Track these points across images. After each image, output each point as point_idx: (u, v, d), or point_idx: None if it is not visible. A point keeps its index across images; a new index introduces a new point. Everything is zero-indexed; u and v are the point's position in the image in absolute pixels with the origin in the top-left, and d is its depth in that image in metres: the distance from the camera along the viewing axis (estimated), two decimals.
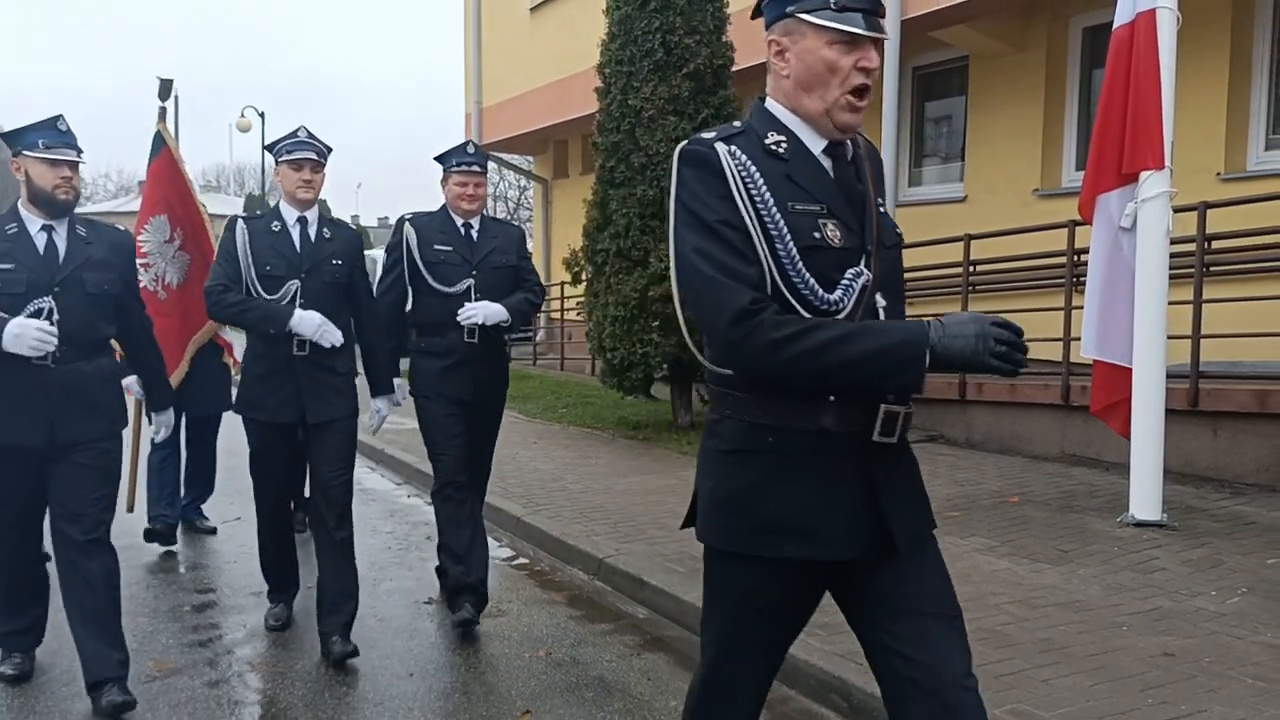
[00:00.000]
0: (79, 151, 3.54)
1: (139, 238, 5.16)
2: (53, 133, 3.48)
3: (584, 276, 8.78)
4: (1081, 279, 7.25)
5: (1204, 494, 5.94)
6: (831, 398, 1.87)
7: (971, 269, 8.14)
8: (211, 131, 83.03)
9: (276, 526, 4.33)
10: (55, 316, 3.36)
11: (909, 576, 2.01)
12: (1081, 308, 7.00)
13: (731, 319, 1.79)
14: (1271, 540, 5.03)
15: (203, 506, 6.03)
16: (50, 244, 3.47)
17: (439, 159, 4.53)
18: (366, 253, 4.78)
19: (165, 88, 5.42)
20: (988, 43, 8.89)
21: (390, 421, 4.93)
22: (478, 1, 16.08)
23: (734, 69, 8.59)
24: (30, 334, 3.29)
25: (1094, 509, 5.73)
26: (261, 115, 30.46)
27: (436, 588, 4.85)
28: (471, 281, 4.37)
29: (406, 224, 4.46)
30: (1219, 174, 7.34)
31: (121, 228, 3.86)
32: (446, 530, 4.40)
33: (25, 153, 3.44)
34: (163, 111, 5.45)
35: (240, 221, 4.09)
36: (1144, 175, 5.23)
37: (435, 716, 3.53)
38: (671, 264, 1.91)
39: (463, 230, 4.46)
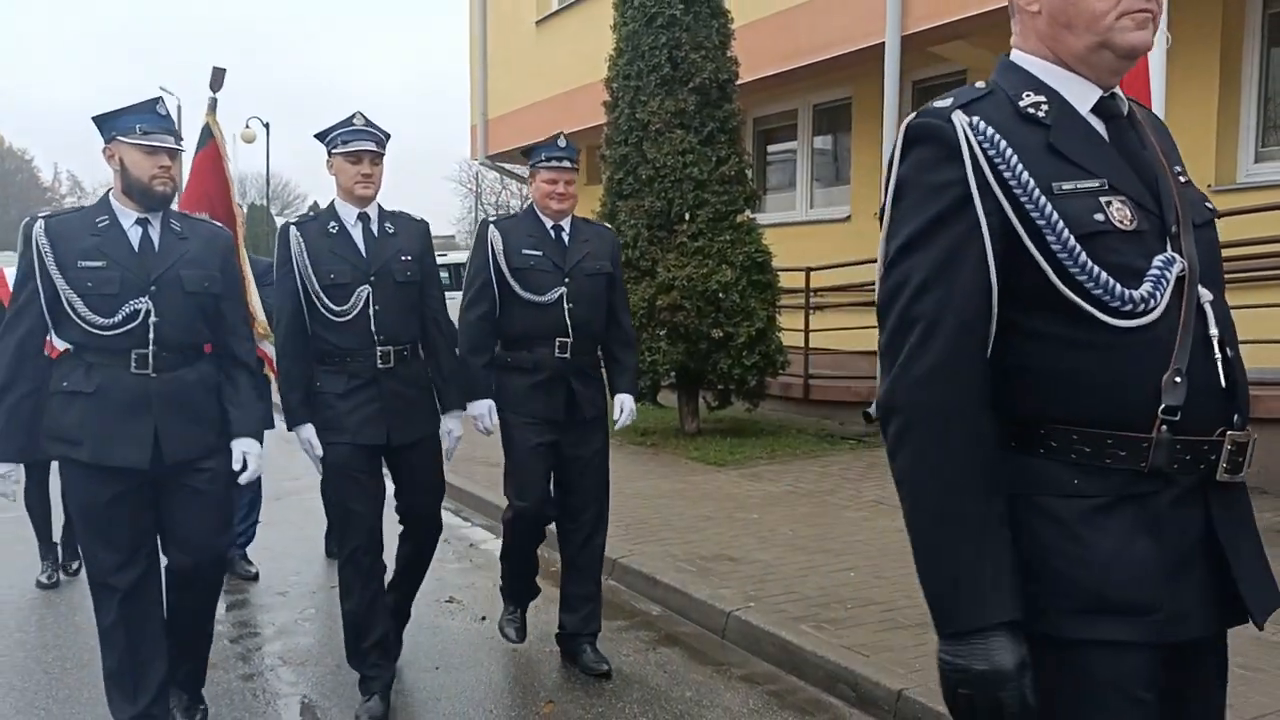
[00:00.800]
0: (179, 139, 3.23)
1: None
2: (151, 116, 3.16)
3: None
4: None
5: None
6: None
7: None
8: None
9: (370, 583, 3.64)
10: (153, 319, 3.07)
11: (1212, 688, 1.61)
12: None
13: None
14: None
15: (247, 549, 5.33)
16: (145, 239, 3.16)
17: (525, 153, 4.14)
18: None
19: (218, 77, 4.99)
20: (986, 57, 9.08)
21: None
22: (483, 15, 16.30)
23: (738, 83, 8.79)
24: None
25: None
26: (266, 126, 30.65)
27: (457, 586, 5.03)
28: (564, 290, 3.92)
29: (491, 227, 4.01)
30: (1210, 186, 7.53)
31: (219, 223, 3.56)
32: (522, 570, 4.14)
33: (120, 138, 3.12)
34: (213, 103, 5.00)
35: (292, 228, 3.62)
36: None
37: (463, 705, 3.71)
38: (879, 266, 1.56)
39: (553, 233, 4.01)
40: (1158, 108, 5.34)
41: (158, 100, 3.22)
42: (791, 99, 11.68)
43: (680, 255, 8.30)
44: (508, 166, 17.42)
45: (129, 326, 3.05)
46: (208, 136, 5.03)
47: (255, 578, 5.20)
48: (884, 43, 8.92)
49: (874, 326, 6.05)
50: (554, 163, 3.97)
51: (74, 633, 4.45)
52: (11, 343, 3.11)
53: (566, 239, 4.02)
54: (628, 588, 5.02)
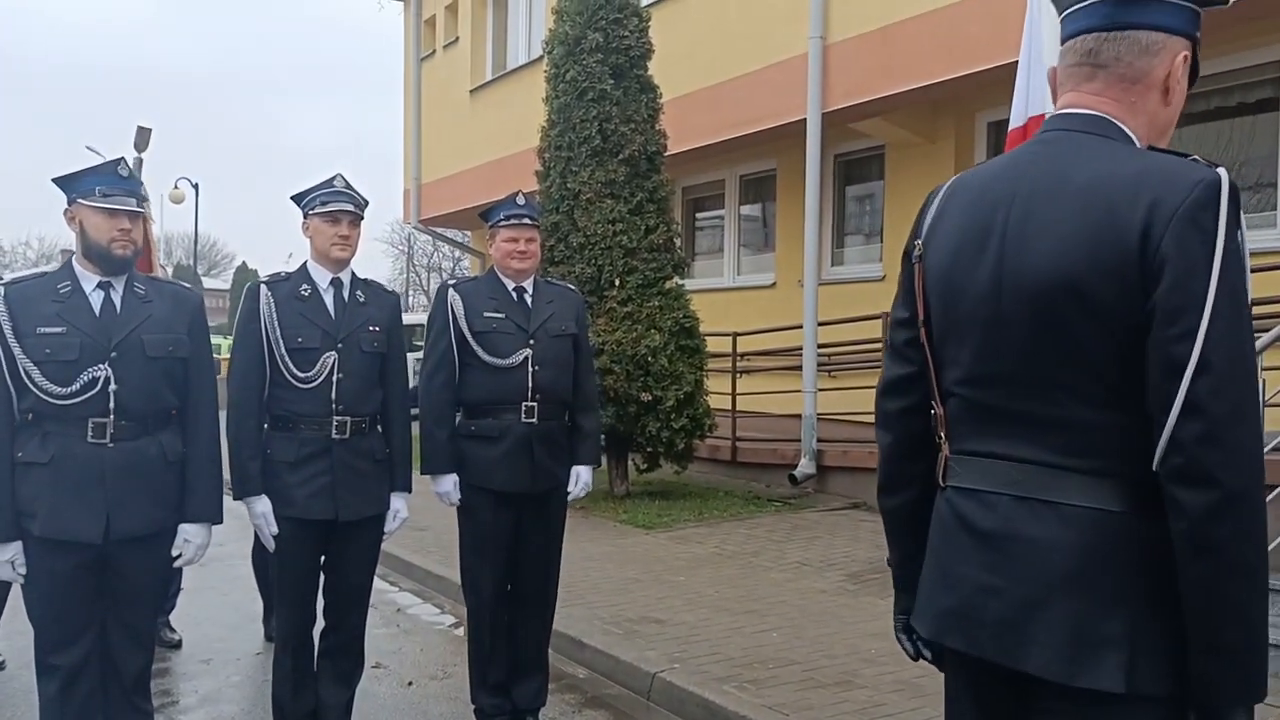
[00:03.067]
0: (141, 200, 3.16)
1: None
2: (112, 178, 3.07)
3: None
4: None
5: None
6: None
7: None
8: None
9: (301, 664, 3.64)
10: (113, 386, 2.97)
11: None
12: None
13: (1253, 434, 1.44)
14: None
15: (170, 616, 5.21)
16: (108, 303, 3.06)
17: (484, 216, 4.04)
18: None
19: (143, 137, 5.03)
20: (901, 134, 9.53)
21: None
22: (418, 83, 16.55)
23: (667, 154, 9.08)
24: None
25: None
26: (195, 186, 30.43)
27: (383, 652, 5.04)
28: (529, 352, 3.84)
29: (450, 290, 3.93)
30: None
31: (186, 284, 3.52)
32: (490, 659, 3.98)
33: (81, 200, 3.04)
34: (139, 163, 4.99)
35: (263, 287, 3.52)
36: None
37: None
38: (1203, 323, 1.43)
39: (515, 295, 3.92)
40: None
41: (119, 161, 3.12)
42: (719, 169, 12.05)
43: (610, 320, 8.47)
44: (440, 230, 17.55)
45: (87, 395, 2.96)
46: None
47: (178, 645, 5.11)
48: (805, 119, 9.30)
49: (798, 390, 6.36)
50: (513, 220, 3.89)
51: (12, 704, 4.38)
52: None
53: (530, 300, 3.94)
54: (555, 650, 5.06)
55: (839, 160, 10.74)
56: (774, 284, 11.26)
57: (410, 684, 4.63)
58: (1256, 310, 6.37)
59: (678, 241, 9.09)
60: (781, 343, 10.03)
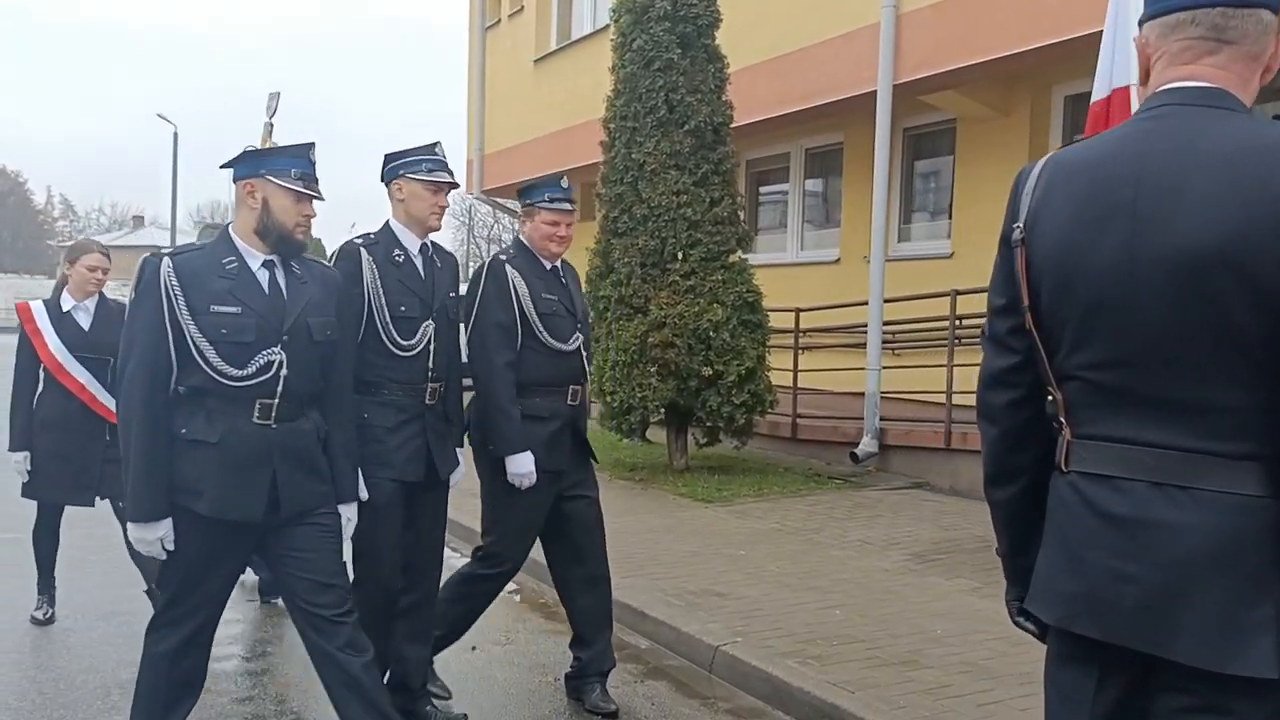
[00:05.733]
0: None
1: None
2: (304, 163, 3.02)
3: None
4: None
5: None
6: None
7: (958, 323, 8.47)
8: (206, 168, 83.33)
9: (388, 618, 3.55)
10: (284, 370, 2.92)
11: None
12: None
13: None
14: None
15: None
16: (273, 283, 2.99)
17: (523, 193, 3.98)
18: None
19: (273, 101, 5.08)
20: (974, 107, 9.30)
21: None
22: (483, 53, 16.55)
23: (732, 126, 8.97)
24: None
25: None
26: None
27: None
28: (581, 338, 3.90)
29: (508, 267, 3.76)
30: None
31: (325, 262, 3.36)
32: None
33: (272, 178, 2.96)
34: (269, 128, 5.09)
35: (362, 250, 3.37)
36: None
37: None
38: None
39: (557, 277, 3.92)
40: None
41: (311, 146, 3.08)
42: (784, 142, 11.89)
43: (672, 293, 8.42)
44: (502, 201, 17.59)
45: (262, 378, 2.89)
46: None
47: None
48: (875, 91, 9.13)
49: (861, 368, 6.26)
50: (557, 204, 3.86)
51: (66, 653, 4.49)
52: (144, 388, 2.85)
53: (566, 282, 3.95)
54: (616, 620, 5.05)
55: (908, 134, 10.52)
56: (838, 260, 11.11)
57: (474, 648, 4.65)
58: None
59: (742, 215, 8.99)
60: (845, 319, 9.90)
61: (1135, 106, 5.55)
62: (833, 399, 9.98)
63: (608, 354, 8.57)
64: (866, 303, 9.15)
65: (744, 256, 8.91)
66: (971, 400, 7.09)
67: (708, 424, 8.70)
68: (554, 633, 4.96)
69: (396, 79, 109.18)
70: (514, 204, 19.14)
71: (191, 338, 2.85)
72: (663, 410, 8.58)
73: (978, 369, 1.86)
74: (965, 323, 8.56)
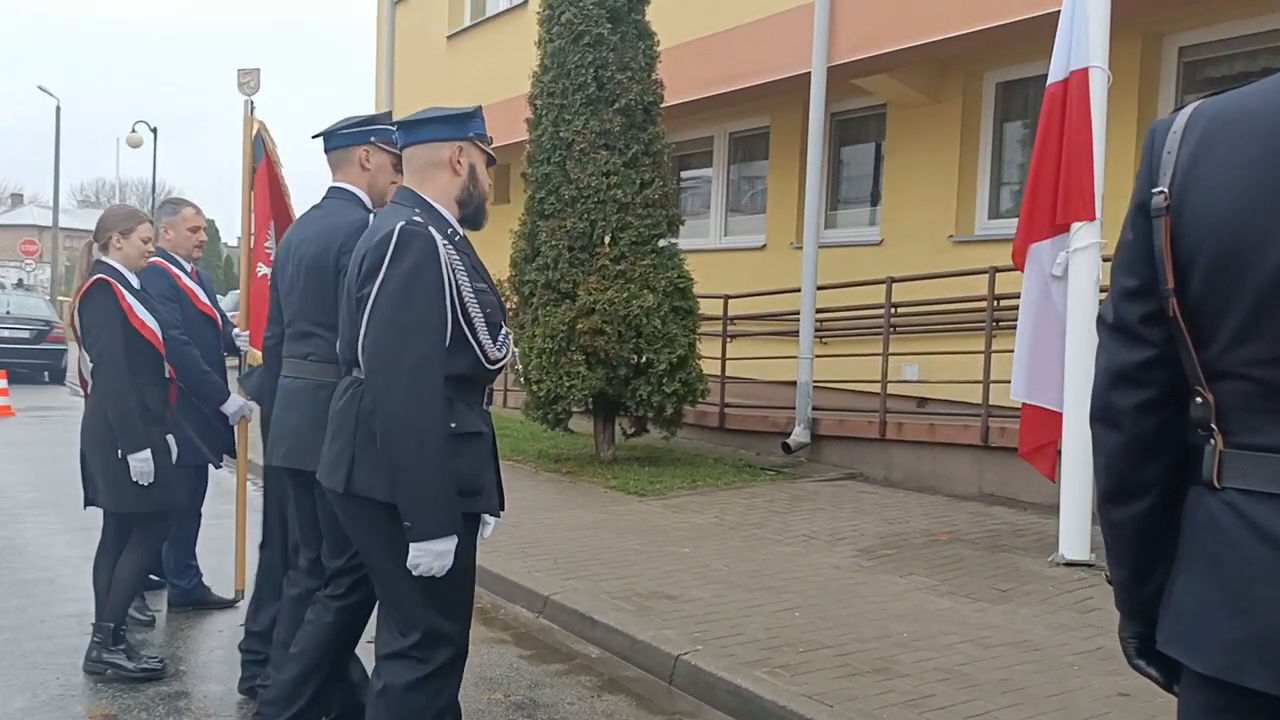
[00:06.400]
0: None
1: (265, 245, 4.33)
2: (484, 127, 2.73)
3: (509, 308, 8.67)
4: (1001, 324, 7.54)
5: None
6: None
7: (893, 311, 8.33)
8: (92, 144, 79.43)
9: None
10: (513, 350, 2.73)
11: None
12: (1001, 352, 7.30)
13: None
14: None
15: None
16: None
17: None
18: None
19: (251, 79, 4.55)
20: (906, 92, 9.17)
21: None
22: (391, 30, 15.89)
23: (663, 105, 8.65)
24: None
25: (1022, 548, 5.88)
26: (154, 131, 29.35)
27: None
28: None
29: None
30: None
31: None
32: None
33: (480, 142, 2.65)
34: (251, 106, 4.60)
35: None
36: (1075, 226, 5.44)
37: None
38: None
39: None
40: (1098, 150, 5.41)
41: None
42: (707, 126, 11.62)
43: (602, 279, 8.07)
44: None
45: (505, 360, 2.68)
46: (261, 146, 4.46)
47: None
48: (807, 73, 8.92)
49: (791, 356, 5.93)
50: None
51: None
52: (438, 379, 2.46)
53: None
54: (562, 627, 4.73)
55: (835, 119, 10.34)
56: (764, 246, 10.90)
57: None
58: None
59: (673, 197, 8.69)
60: (773, 307, 9.69)
61: (1094, 88, 5.42)
62: (761, 388, 9.78)
63: (534, 341, 8.18)
64: (797, 290, 8.95)
65: (674, 241, 8.62)
66: (905, 390, 6.92)
67: (636, 414, 8.39)
68: (496, 642, 4.59)
69: (305, 55, 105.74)
70: None
71: (471, 318, 2.55)
72: (590, 400, 8.24)
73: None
74: (899, 311, 8.43)
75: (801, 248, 9.87)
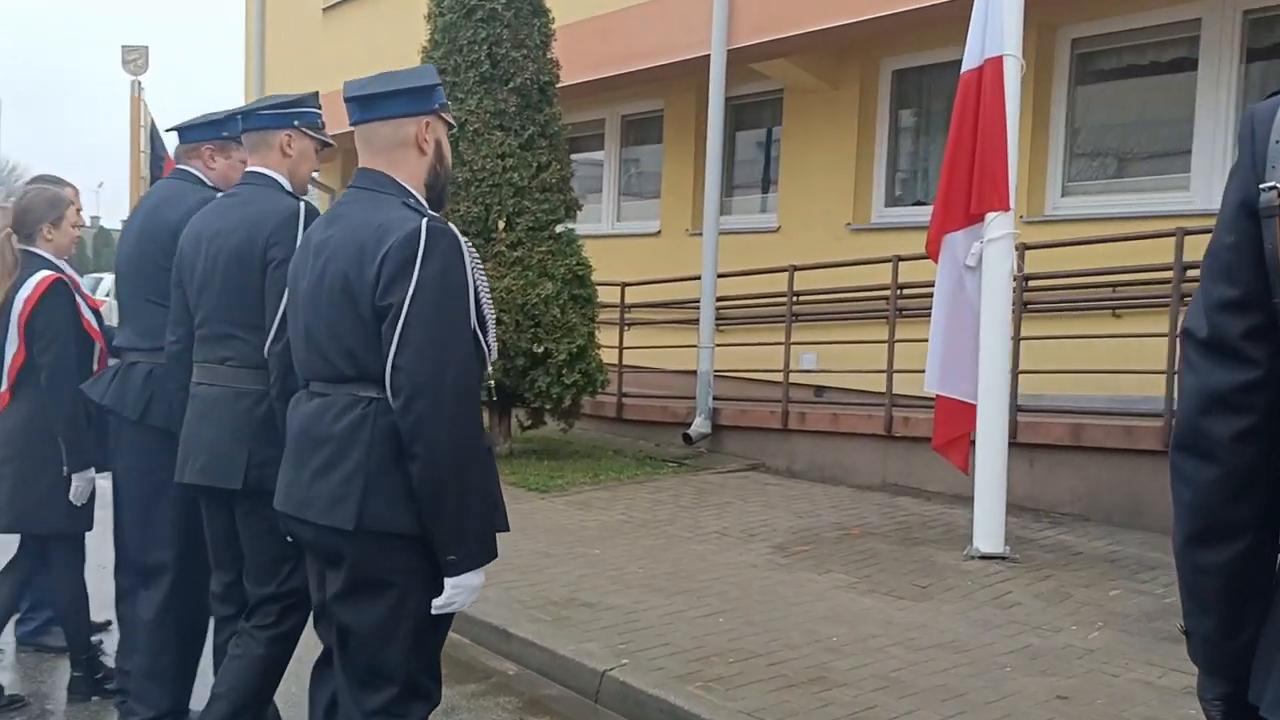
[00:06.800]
0: None
1: None
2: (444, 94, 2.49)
3: None
4: (904, 313, 7.51)
5: (1025, 524, 6.17)
6: None
7: (795, 299, 8.24)
8: None
9: None
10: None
11: None
12: (905, 341, 7.28)
13: None
14: (1103, 571, 5.26)
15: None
16: None
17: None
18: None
19: (137, 57, 4.06)
20: (804, 78, 9.07)
21: None
22: (261, 1, 15.07)
23: (558, 86, 8.35)
24: None
25: (934, 541, 5.84)
26: None
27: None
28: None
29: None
30: (1023, 217, 7.76)
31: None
32: None
33: (446, 115, 2.38)
34: (138, 86, 4.04)
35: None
36: (989, 217, 5.39)
37: None
38: None
39: None
40: (1012, 139, 5.37)
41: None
42: (599, 108, 11.33)
43: (498, 265, 7.72)
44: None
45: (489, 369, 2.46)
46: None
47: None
48: (704, 56, 8.72)
49: (690, 345, 5.72)
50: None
51: None
52: (477, 393, 2.28)
53: None
54: (475, 642, 4.43)
55: (730, 104, 10.16)
56: (659, 232, 10.70)
57: None
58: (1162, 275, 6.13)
59: (571, 181, 8.39)
60: (672, 294, 9.51)
61: (1008, 77, 5.37)
62: (659, 377, 9.60)
63: None
64: (696, 277, 8.78)
65: (571, 227, 8.33)
66: (808, 380, 6.72)
67: (534, 405, 8.10)
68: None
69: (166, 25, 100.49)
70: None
71: (485, 318, 2.26)
72: (486, 391, 7.90)
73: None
74: (801, 299, 8.34)
75: (698, 234, 9.74)
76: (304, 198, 2.92)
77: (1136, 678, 3.87)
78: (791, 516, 6.40)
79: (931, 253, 5.65)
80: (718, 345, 8.68)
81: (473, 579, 2.19)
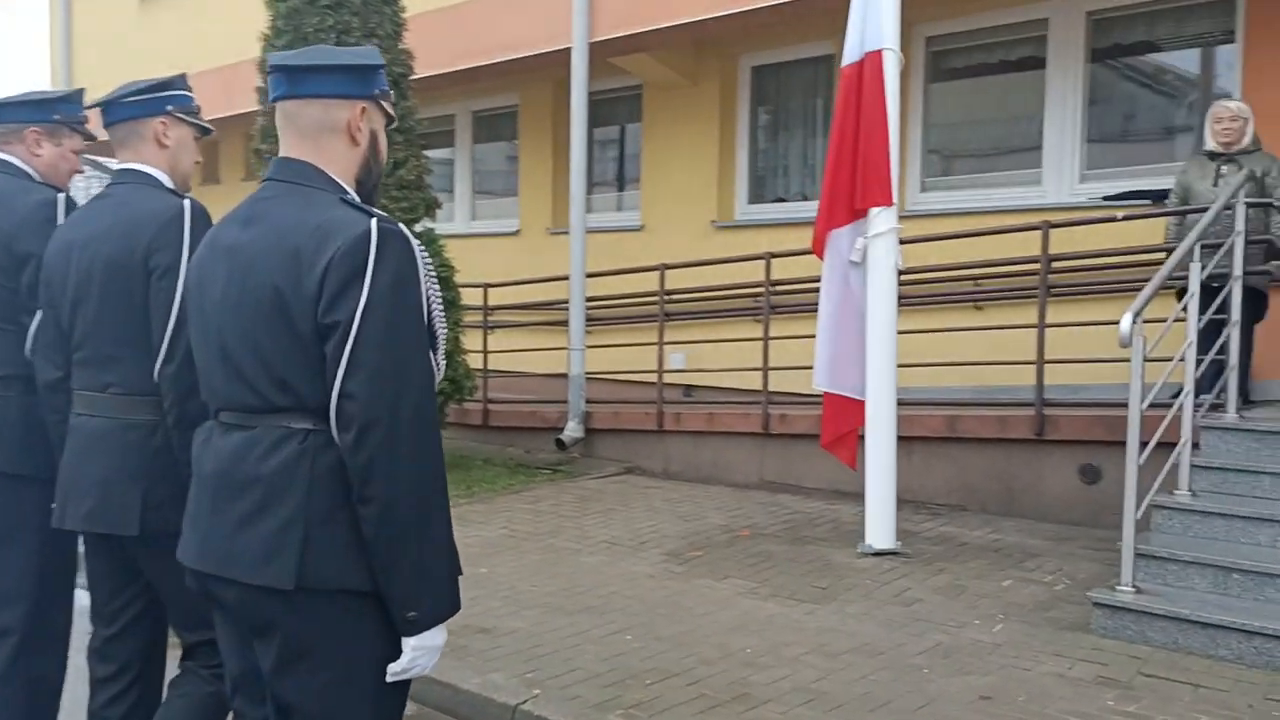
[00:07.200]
0: None
1: None
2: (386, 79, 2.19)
3: None
4: (777, 309, 7.49)
5: (908, 516, 6.20)
6: None
7: (667, 299, 8.11)
8: None
9: None
10: None
11: None
12: (779, 338, 7.25)
13: None
14: (991, 561, 5.33)
15: None
16: None
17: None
18: None
19: None
20: (664, 73, 8.95)
21: None
22: None
23: (412, 78, 7.95)
24: None
25: (824, 539, 5.80)
26: None
27: None
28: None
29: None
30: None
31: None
32: None
33: (385, 102, 2.08)
34: None
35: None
36: (874, 211, 5.37)
37: None
38: None
39: None
40: (893, 133, 5.37)
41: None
42: (448, 103, 10.92)
43: None
44: (101, 160, 14.97)
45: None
46: None
47: None
48: (563, 49, 8.49)
49: (558, 348, 5.52)
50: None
51: None
52: (437, 420, 1.97)
53: None
54: None
55: (591, 99, 9.95)
56: (518, 231, 10.39)
57: None
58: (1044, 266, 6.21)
59: (429, 179, 8.01)
60: (537, 295, 9.24)
61: (888, 70, 5.36)
62: (525, 381, 9.31)
63: None
64: (563, 278, 8.54)
65: (431, 226, 7.96)
66: (679, 379, 6.59)
67: None
68: None
69: None
70: (114, 162, 16.48)
71: (436, 331, 1.96)
72: None
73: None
74: (672, 298, 8.22)
75: (559, 233, 9.52)
76: (188, 195, 2.55)
77: (1049, 671, 3.88)
78: (678, 520, 6.26)
79: (817, 250, 5.60)
80: (591, 347, 8.47)
81: (435, 637, 1.88)
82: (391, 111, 2.09)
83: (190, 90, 2.63)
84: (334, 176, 1.96)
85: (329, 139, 1.97)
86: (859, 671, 3.88)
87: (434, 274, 1.96)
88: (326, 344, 1.80)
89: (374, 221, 1.83)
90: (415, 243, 1.89)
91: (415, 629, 1.85)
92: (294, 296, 1.81)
